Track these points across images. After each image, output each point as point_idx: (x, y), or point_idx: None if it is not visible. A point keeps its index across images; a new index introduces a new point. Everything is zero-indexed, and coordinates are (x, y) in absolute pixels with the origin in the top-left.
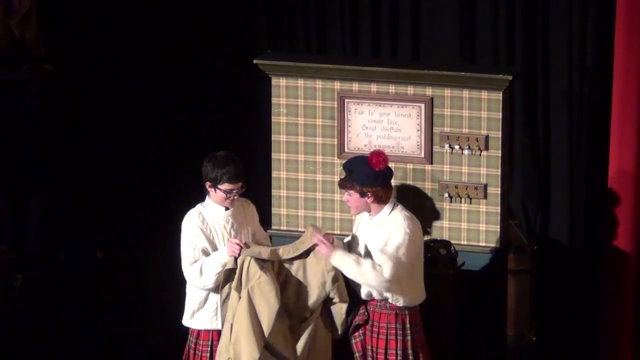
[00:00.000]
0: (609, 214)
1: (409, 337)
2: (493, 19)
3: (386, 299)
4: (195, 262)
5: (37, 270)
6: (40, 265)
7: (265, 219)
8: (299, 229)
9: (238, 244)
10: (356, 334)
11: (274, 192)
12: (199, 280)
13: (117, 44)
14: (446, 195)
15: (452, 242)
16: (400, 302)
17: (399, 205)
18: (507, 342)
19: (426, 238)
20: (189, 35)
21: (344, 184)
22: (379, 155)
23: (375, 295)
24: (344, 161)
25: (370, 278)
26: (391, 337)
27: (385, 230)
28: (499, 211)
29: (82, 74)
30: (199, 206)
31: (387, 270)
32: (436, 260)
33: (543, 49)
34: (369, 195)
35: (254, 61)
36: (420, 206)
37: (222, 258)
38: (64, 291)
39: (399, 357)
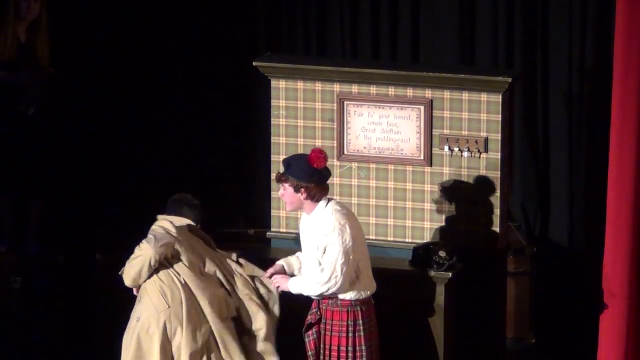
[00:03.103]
0: (609, 216)
1: (361, 334)
2: (492, 21)
3: (337, 297)
4: None
5: (36, 272)
6: (39, 267)
7: (265, 221)
8: (298, 231)
9: None
10: (309, 332)
11: (273, 194)
12: None
13: (117, 48)
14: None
15: (451, 244)
16: (348, 297)
17: (332, 201)
18: (506, 344)
19: (425, 240)
20: (188, 37)
21: (279, 178)
22: (319, 152)
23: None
24: (344, 163)
25: (318, 290)
26: (342, 335)
27: (318, 226)
28: (499, 213)
29: (83, 78)
30: None
31: (328, 278)
32: (435, 262)
33: (542, 51)
34: (302, 191)
35: (254, 63)
36: (419, 208)
37: None
38: (63, 293)
39: (349, 354)
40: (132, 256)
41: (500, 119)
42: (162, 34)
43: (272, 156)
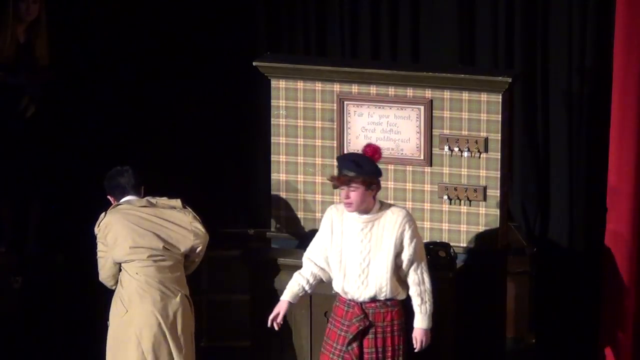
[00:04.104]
0: (609, 216)
1: (404, 332)
2: (492, 21)
3: (390, 298)
4: None
5: (36, 273)
6: (39, 267)
7: (265, 221)
8: (298, 231)
9: None
10: (355, 341)
11: (273, 194)
12: None
13: (116, 49)
14: (445, 197)
15: (451, 244)
16: (403, 296)
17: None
18: (506, 344)
19: (426, 240)
20: (188, 37)
21: (350, 180)
22: (377, 146)
23: (381, 296)
24: None
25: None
26: (397, 334)
27: (391, 222)
28: (499, 213)
29: (82, 79)
30: None
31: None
32: (436, 262)
33: (542, 51)
34: (374, 188)
35: (254, 63)
36: (419, 208)
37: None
38: (63, 293)
39: (403, 350)
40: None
41: (500, 119)
42: (162, 34)
43: (272, 156)
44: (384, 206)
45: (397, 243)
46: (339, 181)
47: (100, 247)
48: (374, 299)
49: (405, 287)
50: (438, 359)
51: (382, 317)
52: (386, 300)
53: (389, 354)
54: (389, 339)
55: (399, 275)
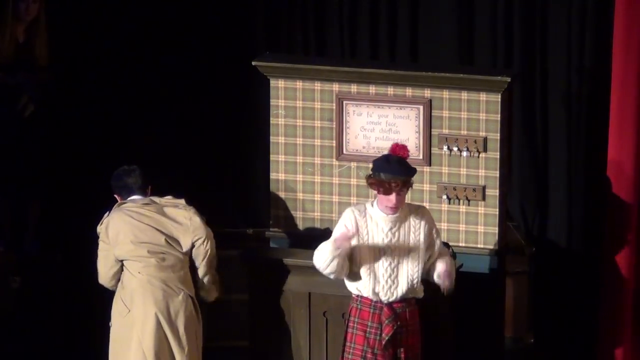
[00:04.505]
0: (608, 216)
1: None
2: (491, 20)
3: (415, 296)
4: None
5: (35, 272)
6: (38, 267)
7: (264, 220)
8: (297, 231)
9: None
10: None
11: (272, 193)
12: None
13: (115, 49)
14: (444, 197)
15: (450, 244)
16: (422, 294)
17: None
18: (505, 344)
19: None
20: (188, 37)
21: (411, 183)
22: (403, 146)
23: (410, 294)
24: (342, 163)
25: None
26: (420, 332)
27: (419, 219)
28: (497, 213)
29: (81, 79)
30: None
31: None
32: None
33: (541, 50)
34: (412, 186)
35: (253, 63)
36: None
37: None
38: (62, 293)
39: (421, 351)
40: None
41: (499, 119)
42: (161, 34)
43: (271, 156)
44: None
45: (428, 239)
46: (409, 182)
47: (101, 245)
48: (403, 298)
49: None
50: (437, 358)
51: (409, 315)
52: (411, 298)
53: (417, 351)
54: (417, 337)
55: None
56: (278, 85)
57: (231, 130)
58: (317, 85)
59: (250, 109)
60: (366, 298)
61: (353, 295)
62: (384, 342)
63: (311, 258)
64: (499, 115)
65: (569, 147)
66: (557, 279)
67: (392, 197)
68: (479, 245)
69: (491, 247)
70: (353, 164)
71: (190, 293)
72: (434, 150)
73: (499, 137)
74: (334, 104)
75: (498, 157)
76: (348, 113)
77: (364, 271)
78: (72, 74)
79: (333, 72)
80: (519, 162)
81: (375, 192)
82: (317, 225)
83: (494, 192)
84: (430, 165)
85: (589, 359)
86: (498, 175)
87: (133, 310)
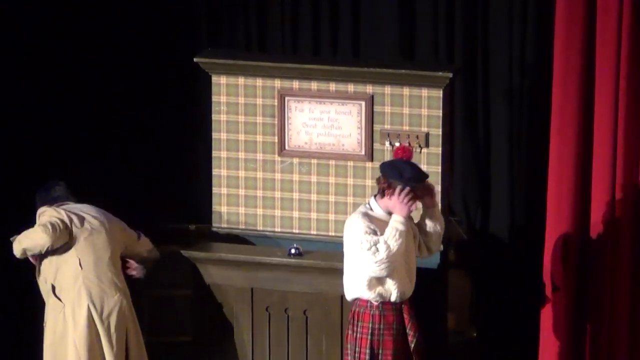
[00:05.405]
0: (549, 211)
1: None
2: (433, 15)
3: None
4: None
5: None
6: None
7: (207, 217)
8: (239, 227)
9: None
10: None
11: (214, 189)
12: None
13: (55, 46)
14: None
15: None
16: None
17: None
18: (448, 337)
19: None
20: (129, 33)
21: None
22: (407, 147)
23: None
24: (285, 159)
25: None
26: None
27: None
28: (440, 208)
29: (20, 74)
30: None
31: None
32: None
33: (483, 45)
34: None
35: (194, 59)
36: (361, 203)
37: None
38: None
39: None
40: (35, 231)
41: (441, 114)
42: (102, 30)
43: (213, 152)
44: None
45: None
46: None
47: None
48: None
49: None
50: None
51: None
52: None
53: (423, 345)
54: (418, 331)
55: None
56: (220, 81)
57: (173, 127)
58: (259, 82)
59: (191, 106)
60: (388, 302)
61: (366, 302)
62: (414, 341)
63: (253, 253)
64: (441, 111)
65: (511, 142)
66: (500, 273)
67: (414, 202)
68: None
69: None
70: (295, 160)
71: (124, 290)
72: (376, 145)
73: (440, 133)
74: (276, 100)
75: (440, 152)
76: (290, 109)
77: (399, 275)
78: (12, 69)
79: (275, 68)
80: (461, 157)
81: (387, 197)
82: (259, 221)
83: (436, 188)
84: (372, 160)
85: (530, 352)
86: (440, 170)
87: (68, 306)
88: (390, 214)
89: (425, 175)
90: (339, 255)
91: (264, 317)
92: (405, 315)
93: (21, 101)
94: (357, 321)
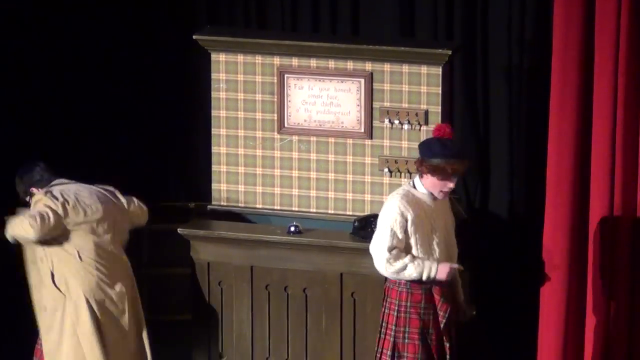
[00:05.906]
0: (548, 189)
1: None
2: None
3: None
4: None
5: None
6: None
7: (206, 195)
8: (239, 205)
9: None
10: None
11: (214, 167)
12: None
13: (55, 17)
14: (386, 170)
15: None
16: None
17: None
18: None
19: (366, 213)
20: (128, 11)
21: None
22: (445, 125)
23: None
24: (284, 136)
25: None
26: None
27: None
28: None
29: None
30: None
31: None
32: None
33: (482, 22)
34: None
35: (194, 37)
36: (360, 181)
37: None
38: None
39: None
40: (24, 222)
41: (440, 92)
42: (101, 8)
43: (212, 129)
44: None
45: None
46: (461, 170)
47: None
48: None
49: None
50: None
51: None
52: None
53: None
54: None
55: None
56: (219, 59)
57: (172, 104)
58: (258, 59)
59: (191, 83)
60: (416, 282)
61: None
62: (445, 321)
63: (253, 231)
64: (440, 88)
65: (510, 120)
66: (499, 251)
67: (451, 183)
68: None
69: None
70: (295, 138)
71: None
72: (375, 123)
73: (440, 110)
74: (275, 78)
75: None
76: (289, 86)
77: (422, 254)
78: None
79: (274, 45)
80: (460, 134)
81: (427, 176)
82: (259, 198)
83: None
84: (371, 138)
85: (531, 330)
86: None
87: (67, 293)
88: (431, 194)
89: (455, 154)
90: (339, 233)
91: (264, 295)
92: (436, 296)
93: (21, 74)
94: (387, 297)
